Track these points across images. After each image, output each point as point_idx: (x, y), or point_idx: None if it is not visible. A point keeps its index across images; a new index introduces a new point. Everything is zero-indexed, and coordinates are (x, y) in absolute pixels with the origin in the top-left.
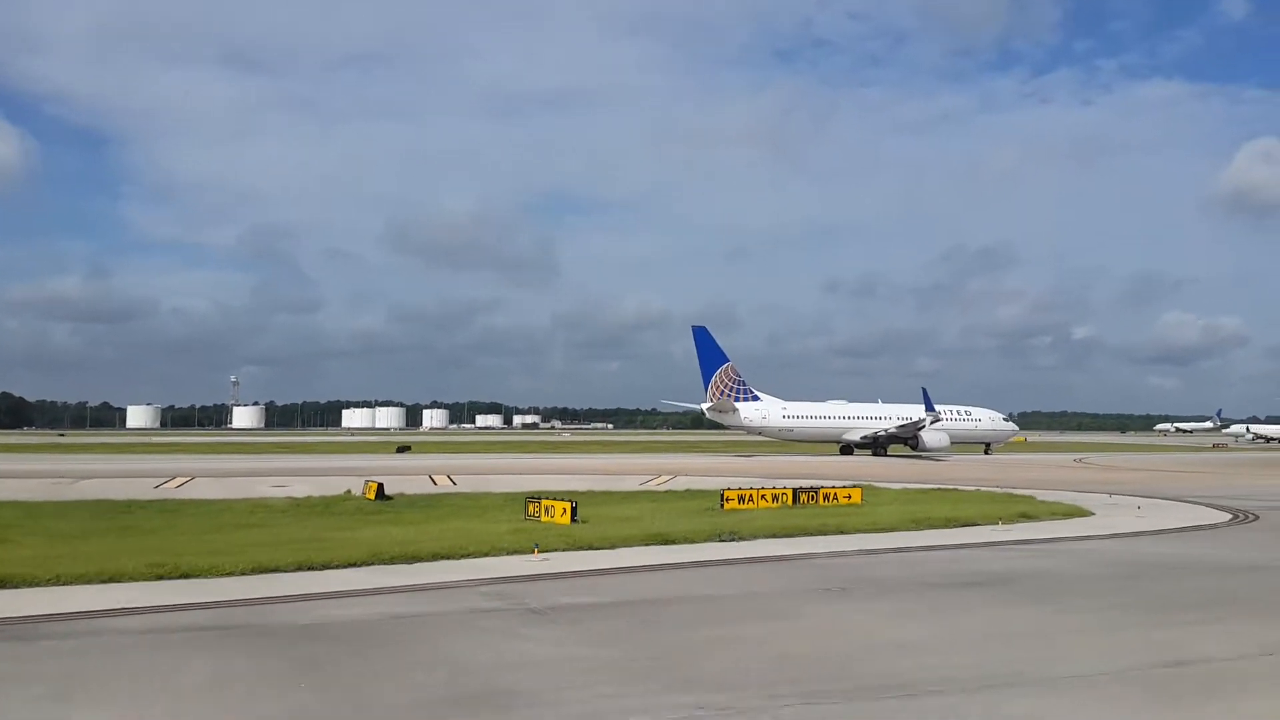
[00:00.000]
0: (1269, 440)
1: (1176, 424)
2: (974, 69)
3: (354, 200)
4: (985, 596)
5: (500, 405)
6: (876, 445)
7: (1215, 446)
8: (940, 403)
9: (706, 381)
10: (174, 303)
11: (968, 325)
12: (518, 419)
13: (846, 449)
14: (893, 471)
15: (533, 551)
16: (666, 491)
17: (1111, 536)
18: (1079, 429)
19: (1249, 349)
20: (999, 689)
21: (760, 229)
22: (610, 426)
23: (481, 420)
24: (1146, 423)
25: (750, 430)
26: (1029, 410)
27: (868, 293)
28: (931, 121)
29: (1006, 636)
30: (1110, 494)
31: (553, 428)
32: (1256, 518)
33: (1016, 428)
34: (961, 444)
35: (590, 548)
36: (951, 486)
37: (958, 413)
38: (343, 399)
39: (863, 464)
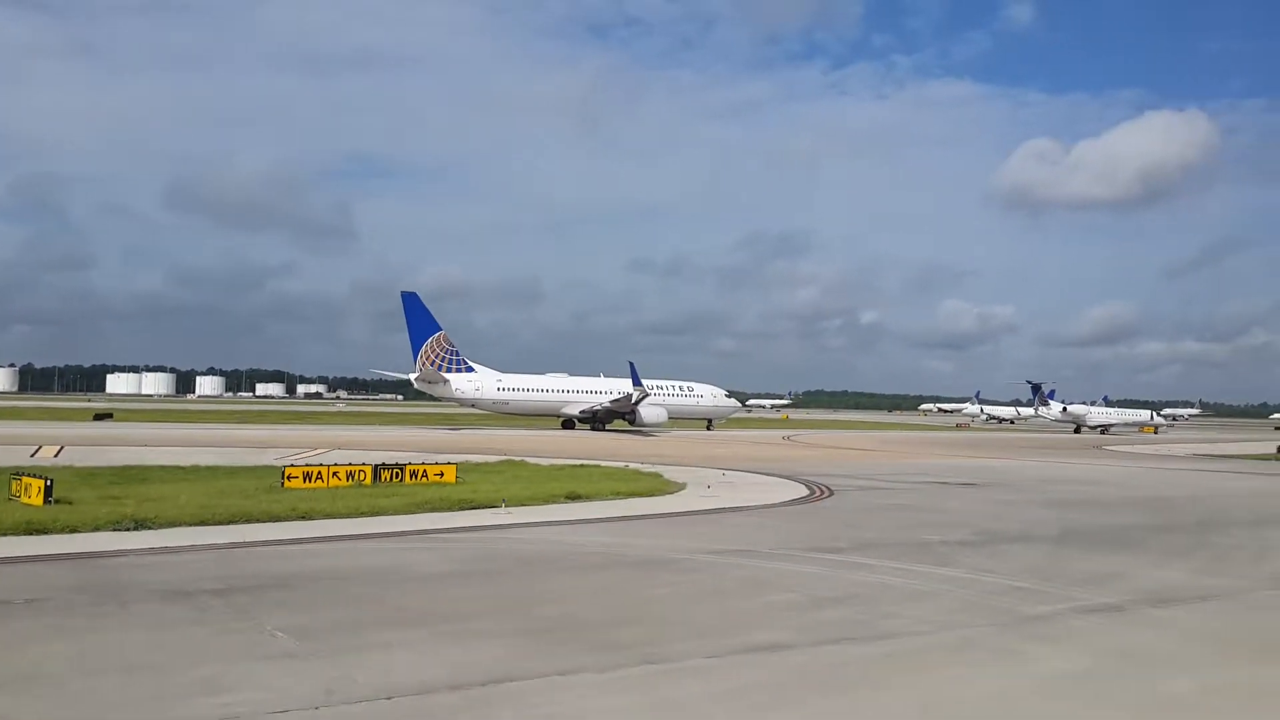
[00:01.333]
0: (1001, 420)
1: (939, 405)
2: (779, 58)
3: (137, 154)
4: (154, 617)
5: (283, 374)
6: (595, 420)
7: (959, 426)
8: (664, 378)
9: (416, 350)
10: None
11: (767, 308)
12: (302, 388)
13: (569, 423)
14: (579, 446)
15: None
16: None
17: (589, 521)
18: (856, 408)
19: (1019, 336)
20: None
21: (569, 204)
22: (400, 398)
23: (262, 389)
24: (919, 403)
25: (463, 402)
26: (813, 389)
27: (674, 272)
28: (738, 107)
29: None
30: (725, 470)
31: (337, 398)
32: (830, 494)
33: (739, 404)
34: (685, 419)
35: None
36: (601, 463)
37: (678, 388)
38: (111, 363)
39: (557, 438)
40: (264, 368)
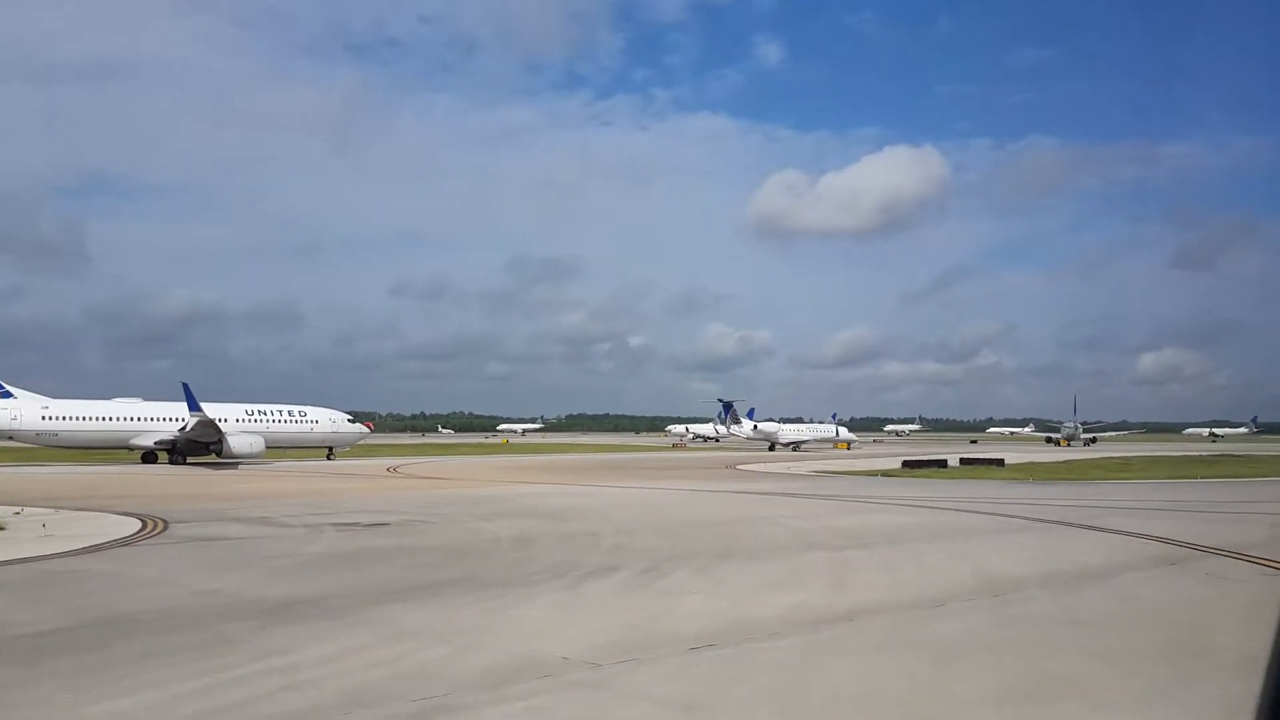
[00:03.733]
0: (706, 439)
1: (687, 425)
2: (543, 86)
3: None
4: None
5: None
6: (175, 452)
7: (675, 446)
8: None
9: None
10: None
11: (535, 331)
12: None
13: (149, 456)
14: (68, 486)
15: None
16: None
17: None
18: (615, 430)
19: (775, 359)
20: None
21: (325, 226)
22: None
23: None
24: (680, 424)
25: None
26: (575, 412)
27: (437, 296)
28: (501, 133)
29: None
30: (47, 515)
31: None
32: (164, 527)
33: (366, 430)
34: (300, 448)
35: None
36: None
37: (286, 414)
38: None
39: (69, 476)
40: None
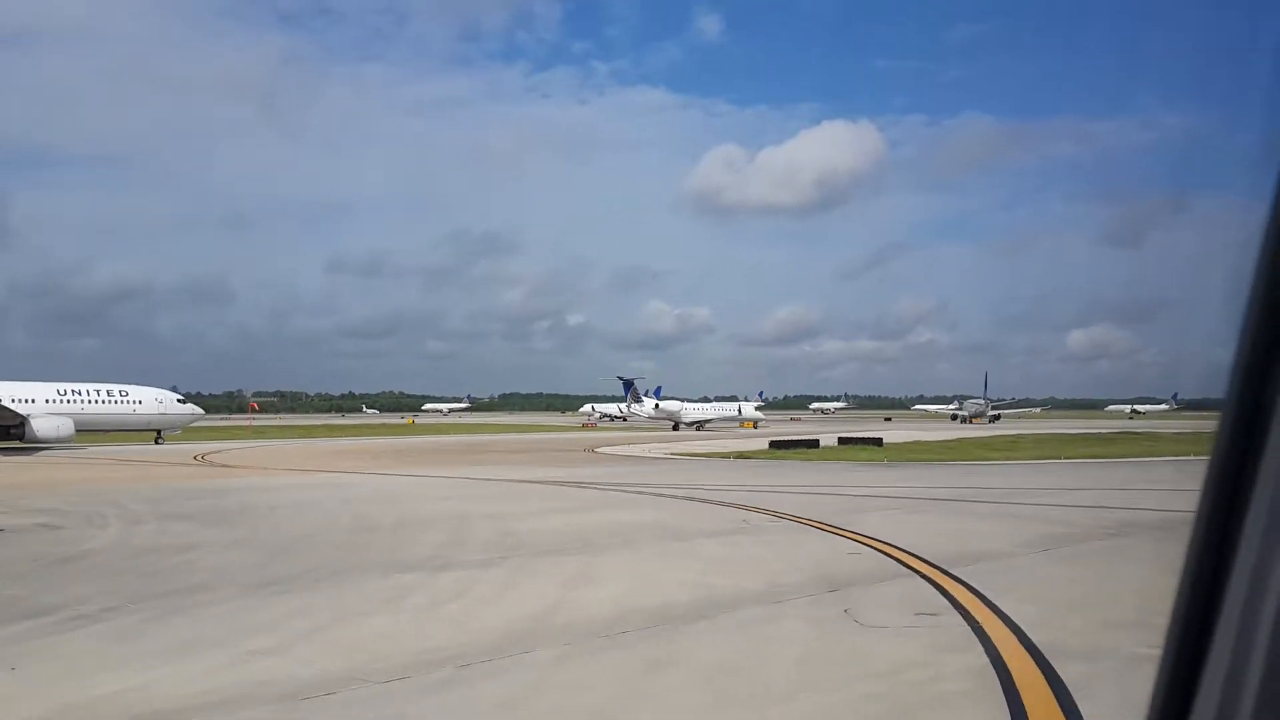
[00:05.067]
0: (613, 419)
1: (593, 405)
2: (480, 56)
3: None
4: None
5: None
6: None
7: (585, 426)
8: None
9: None
10: None
11: (474, 308)
12: None
13: None
14: None
15: None
16: None
17: None
18: (548, 409)
19: (714, 336)
20: None
21: (256, 197)
22: None
23: None
24: (611, 402)
25: None
26: (509, 391)
27: (375, 272)
28: (438, 104)
29: None
30: None
31: None
32: None
33: (198, 411)
34: (123, 431)
35: None
36: None
37: (107, 394)
38: None
39: None
40: None
